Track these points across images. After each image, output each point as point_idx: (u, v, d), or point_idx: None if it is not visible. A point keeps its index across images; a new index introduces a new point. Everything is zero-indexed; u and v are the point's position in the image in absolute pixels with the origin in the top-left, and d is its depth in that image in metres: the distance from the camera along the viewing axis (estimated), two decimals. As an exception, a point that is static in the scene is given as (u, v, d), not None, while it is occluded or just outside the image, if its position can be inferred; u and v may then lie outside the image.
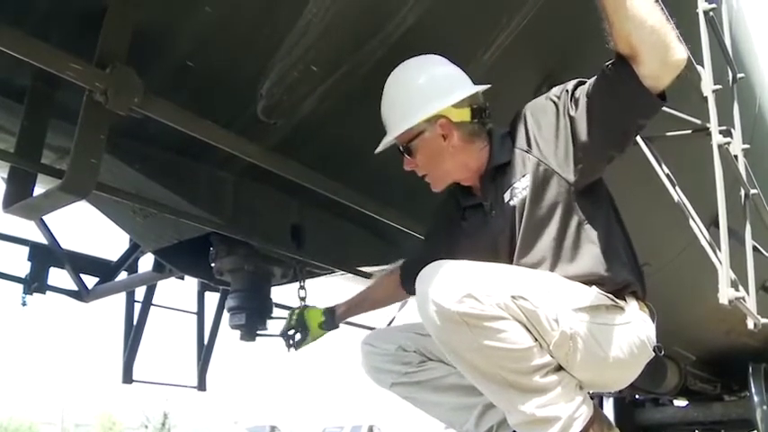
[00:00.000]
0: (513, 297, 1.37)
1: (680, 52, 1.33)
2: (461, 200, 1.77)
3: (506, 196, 1.59)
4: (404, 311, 3.13)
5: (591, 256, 1.51)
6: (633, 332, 1.51)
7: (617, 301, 1.50)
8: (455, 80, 1.63)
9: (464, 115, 1.60)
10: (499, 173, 1.62)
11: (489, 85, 1.65)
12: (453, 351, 1.42)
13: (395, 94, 1.64)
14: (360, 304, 2.15)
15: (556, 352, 1.41)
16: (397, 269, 2.04)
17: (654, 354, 1.56)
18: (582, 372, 1.45)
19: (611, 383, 1.63)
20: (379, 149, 1.68)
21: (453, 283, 1.37)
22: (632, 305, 1.54)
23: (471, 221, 1.73)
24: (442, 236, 1.86)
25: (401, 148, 1.65)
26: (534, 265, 1.54)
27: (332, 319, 2.09)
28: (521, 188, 1.56)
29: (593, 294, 1.48)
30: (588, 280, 1.50)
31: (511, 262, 1.59)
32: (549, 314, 1.40)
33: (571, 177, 1.51)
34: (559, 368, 1.43)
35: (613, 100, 1.41)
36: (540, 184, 1.54)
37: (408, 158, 1.66)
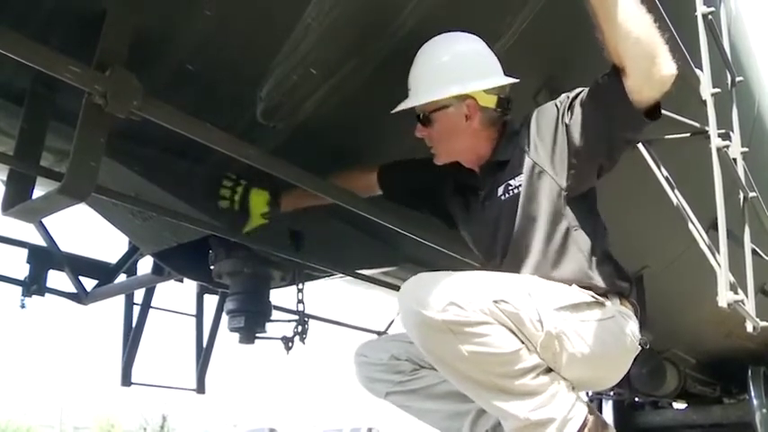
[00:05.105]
0: (495, 301, 1.37)
1: (667, 68, 1.33)
2: (460, 176, 1.76)
3: (500, 191, 1.62)
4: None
5: (575, 263, 1.53)
6: (616, 326, 1.52)
7: (597, 297, 1.51)
8: (493, 65, 1.64)
9: (490, 102, 1.62)
10: (499, 168, 1.65)
11: (518, 80, 1.63)
12: (441, 360, 1.42)
13: (431, 61, 1.62)
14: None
15: (543, 353, 1.41)
16: (374, 168, 1.97)
17: (641, 348, 1.58)
18: (571, 371, 1.45)
19: (601, 381, 1.64)
20: (396, 109, 1.65)
21: (435, 292, 1.36)
22: (614, 301, 1.56)
23: (463, 200, 1.75)
24: (438, 177, 1.80)
25: (419, 115, 1.65)
26: (518, 265, 1.56)
27: (277, 208, 2.03)
28: (514, 186, 1.59)
29: (574, 292, 1.49)
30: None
31: (492, 255, 1.62)
32: (532, 316, 1.40)
33: (564, 183, 1.54)
34: (549, 370, 1.43)
35: (599, 110, 1.46)
36: (533, 186, 1.56)
37: (422, 126, 1.66)
